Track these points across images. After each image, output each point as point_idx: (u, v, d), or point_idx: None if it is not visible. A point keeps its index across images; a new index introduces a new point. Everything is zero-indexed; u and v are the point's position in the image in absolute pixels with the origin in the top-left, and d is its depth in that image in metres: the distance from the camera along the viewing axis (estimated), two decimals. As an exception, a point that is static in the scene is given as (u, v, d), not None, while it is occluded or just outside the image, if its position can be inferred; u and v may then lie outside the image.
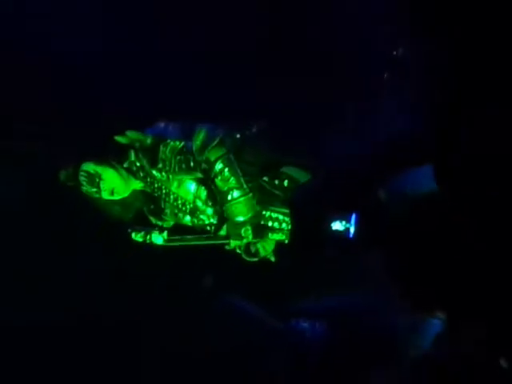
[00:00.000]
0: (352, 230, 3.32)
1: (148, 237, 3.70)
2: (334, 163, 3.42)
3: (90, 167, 3.70)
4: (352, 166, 3.34)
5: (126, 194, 3.77)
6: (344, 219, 3.33)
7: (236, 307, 3.56)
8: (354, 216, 3.31)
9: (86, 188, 3.70)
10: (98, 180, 3.69)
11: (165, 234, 3.71)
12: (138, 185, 3.81)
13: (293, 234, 3.50)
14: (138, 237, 3.73)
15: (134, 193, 3.82)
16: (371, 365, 3.19)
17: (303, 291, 3.55)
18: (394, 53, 3.69)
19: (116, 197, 3.73)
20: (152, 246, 3.67)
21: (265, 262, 3.65)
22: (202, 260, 3.76)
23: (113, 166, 3.75)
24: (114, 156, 3.74)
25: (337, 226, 3.35)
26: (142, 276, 3.88)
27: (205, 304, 3.61)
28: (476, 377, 2.94)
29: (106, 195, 3.72)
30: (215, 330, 3.56)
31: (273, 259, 3.72)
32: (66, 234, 4.04)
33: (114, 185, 3.71)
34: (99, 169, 3.71)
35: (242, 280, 3.65)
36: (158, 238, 3.69)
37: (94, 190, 3.69)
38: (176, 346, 3.73)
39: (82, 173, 3.70)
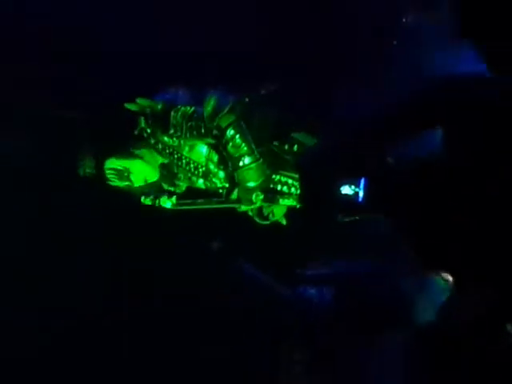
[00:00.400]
0: (361, 194, 3.28)
1: (157, 201, 3.73)
2: (342, 127, 3.38)
3: (115, 164, 3.77)
4: (361, 130, 3.29)
5: (157, 176, 3.85)
6: (353, 183, 3.29)
7: (244, 273, 3.52)
8: (362, 180, 3.27)
9: (116, 183, 3.77)
10: (127, 174, 3.77)
11: (173, 198, 3.73)
12: (162, 160, 3.83)
13: (301, 198, 3.46)
14: (146, 201, 3.76)
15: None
16: (379, 330, 3.14)
17: (311, 257, 3.50)
18: (404, 20, 3.67)
19: (149, 181, 3.80)
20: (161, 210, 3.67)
21: (273, 227, 3.63)
22: (211, 224, 3.72)
23: (137, 156, 3.81)
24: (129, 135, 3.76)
25: (346, 190, 3.31)
26: (151, 239, 3.83)
27: (213, 270, 3.56)
28: (482, 341, 2.88)
29: (138, 184, 3.80)
30: (223, 296, 3.52)
31: (284, 223, 3.71)
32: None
33: (144, 174, 3.80)
34: (125, 163, 3.78)
35: (249, 246, 3.61)
36: (167, 203, 3.72)
37: (126, 183, 3.78)
38: (182, 313, 3.69)
39: (109, 171, 3.76)
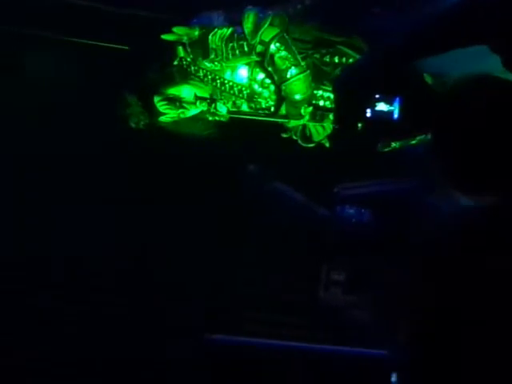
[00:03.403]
0: (396, 112, 3.20)
1: (213, 105, 3.75)
2: (378, 42, 3.26)
3: (164, 94, 3.75)
4: (398, 44, 3.15)
5: (208, 93, 3.80)
6: (388, 101, 3.21)
7: (282, 193, 3.56)
8: (397, 99, 3.18)
9: (171, 114, 3.77)
10: (179, 102, 3.76)
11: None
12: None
13: (335, 113, 3.40)
14: (202, 105, 3.78)
15: None
16: (417, 251, 3.13)
17: (349, 177, 3.49)
18: None
19: (202, 103, 3.75)
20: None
21: (310, 148, 3.62)
22: (251, 145, 3.76)
23: (183, 82, 3.77)
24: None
25: (381, 106, 3.24)
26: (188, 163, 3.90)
27: (251, 191, 3.62)
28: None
29: (193, 108, 3.77)
30: (261, 216, 3.59)
31: (327, 145, 3.69)
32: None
33: (194, 92, 3.75)
34: (174, 90, 3.77)
35: (287, 168, 3.63)
36: (223, 108, 3.74)
37: (180, 111, 3.76)
38: (223, 230, 3.79)
39: (160, 103, 3.76)
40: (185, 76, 3.75)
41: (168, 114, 3.78)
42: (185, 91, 3.78)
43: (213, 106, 3.73)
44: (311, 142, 3.67)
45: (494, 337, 2.69)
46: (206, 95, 3.78)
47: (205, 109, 3.75)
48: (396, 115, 3.21)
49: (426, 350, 2.74)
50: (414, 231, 3.19)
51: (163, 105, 3.77)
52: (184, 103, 3.77)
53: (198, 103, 3.77)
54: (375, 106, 3.23)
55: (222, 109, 3.74)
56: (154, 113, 3.78)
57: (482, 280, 2.85)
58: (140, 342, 3.82)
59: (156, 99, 3.75)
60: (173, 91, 3.77)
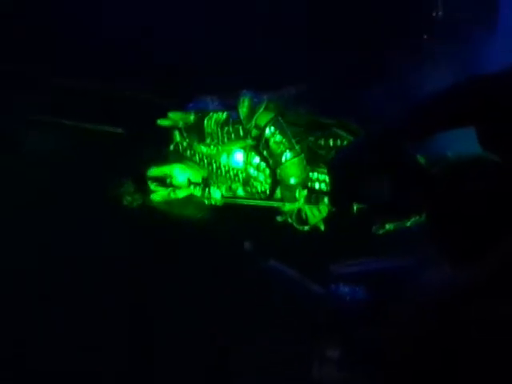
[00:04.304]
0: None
1: (207, 190, 3.81)
2: (373, 124, 3.36)
3: (155, 172, 3.85)
4: (390, 126, 3.25)
5: (200, 178, 3.87)
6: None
7: (276, 271, 3.59)
8: None
9: (161, 192, 3.84)
10: (169, 180, 3.85)
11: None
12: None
13: (330, 195, 3.46)
14: (196, 190, 3.82)
15: None
16: (413, 329, 3.16)
17: (343, 256, 3.53)
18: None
19: (196, 188, 3.82)
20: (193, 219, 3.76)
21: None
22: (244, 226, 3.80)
23: (176, 161, 3.85)
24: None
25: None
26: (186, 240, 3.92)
27: (243, 268, 3.64)
28: None
29: (183, 191, 3.84)
30: (254, 294, 3.61)
31: (322, 227, 3.73)
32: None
33: (187, 175, 3.85)
34: (166, 169, 3.86)
35: (281, 245, 3.67)
36: (217, 192, 3.80)
37: (170, 189, 3.84)
38: (214, 308, 3.80)
39: (150, 181, 3.84)
40: (180, 159, 3.83)
41: (158, 192, 3.83)
42: (177, 171, 3.83)
43: (206, 190, 3.79)
44: (307, 224, 3.71)
45: None
46: (200, 179, 3.85)
47: (199, 194, 3.81)
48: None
49: None
50: (408, 307, 3.24)
51: (154, 181, 3.83)
52: (175, 182, 3.82)
53: (191, 187, 3.83)
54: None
55: (216, 194, 3.79)
56: (147, 192, 3.84)
57: (476, 354, 2.90)
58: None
59: (148, 177, 3.80)
60: (165, 170, 3.83)
